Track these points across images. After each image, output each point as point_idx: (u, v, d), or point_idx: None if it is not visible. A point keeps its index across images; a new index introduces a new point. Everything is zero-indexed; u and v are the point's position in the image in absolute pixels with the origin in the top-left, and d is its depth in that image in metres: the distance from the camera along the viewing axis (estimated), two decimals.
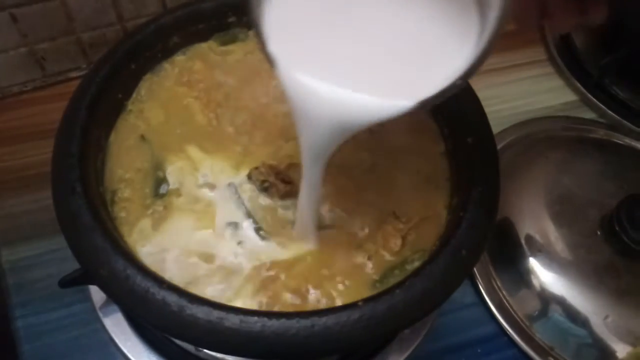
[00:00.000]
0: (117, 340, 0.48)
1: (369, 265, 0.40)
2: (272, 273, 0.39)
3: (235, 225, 0.41)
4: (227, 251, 0.40)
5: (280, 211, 0.42)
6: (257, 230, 0.41)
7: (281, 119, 0.46)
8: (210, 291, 0.38)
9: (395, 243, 0.41)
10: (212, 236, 0.40)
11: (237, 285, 0.38)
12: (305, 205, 0.37)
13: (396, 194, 0.43)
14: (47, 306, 0.51)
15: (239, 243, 0.40)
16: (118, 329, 0.49)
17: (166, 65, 0.48)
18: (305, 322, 0.32)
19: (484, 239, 0.38)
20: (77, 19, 0.61)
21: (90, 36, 0.64)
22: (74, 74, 0.66)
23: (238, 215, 0.41)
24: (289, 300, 0.38)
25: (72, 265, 0.40)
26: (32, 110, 0.64)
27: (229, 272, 0.39)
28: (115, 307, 0.49)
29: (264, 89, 0.48)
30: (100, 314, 0.49)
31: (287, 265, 0.39)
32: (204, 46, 0.50)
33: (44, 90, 0.65)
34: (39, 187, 0.57)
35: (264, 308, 0.37)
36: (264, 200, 0.42)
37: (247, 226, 0.41)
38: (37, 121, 0.62)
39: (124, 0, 0.62)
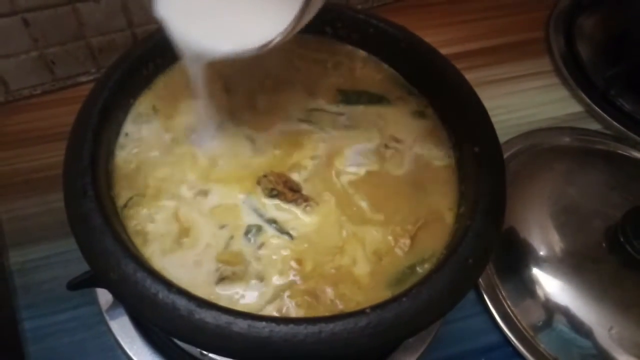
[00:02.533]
0: (122, 344, 0.49)
1: (382, 266, 0.40)
2: (291, 276, 0.39)
3: (258, 229, 0.41)
4: (250, 255, 0.40)
5: (297, 213, 0.42)
6: (280, 232, 0.41)
7: (292, 120, 0.47)
8: (229, 296, 0.38)
9: (405, 243, 0.41)
10: (232, 241, 0.40)
11: (260, 289, 0.39)
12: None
13: (403, 197, 0.43)
14: (54, 308, 0.51)
15: (261, 246, 0.40)
16: (124, 332, 0.49)
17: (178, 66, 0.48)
18: (312, 328, 0.32)
19: (490, 248, 0.38)
20: (88, 24, 0.62)
21: (99, 41, 0.64)
22: (83, 79, 0.67)
23: (259, 220, 0.41)
24: (306, 302, 0.38)
25: (79, 267, 0.41)
26: (41, 114, 0.64)
27: (252, 276, 0.39)
28: (121, 310, 0.50)
29: (271, 93, 0.49)
30: (107, 317, 0.50)
31: (308, 271, 0.40)
32: None
33: (53, 94, 0.66)
34: (47, 190, 0.57)
35: (284, 311, 0.37)
36: (280, 204, 0.42)
37: (269, 230, 0.41)
38: (46, 125, 0.63)
39: (134, 6, 0.62)
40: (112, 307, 0.50)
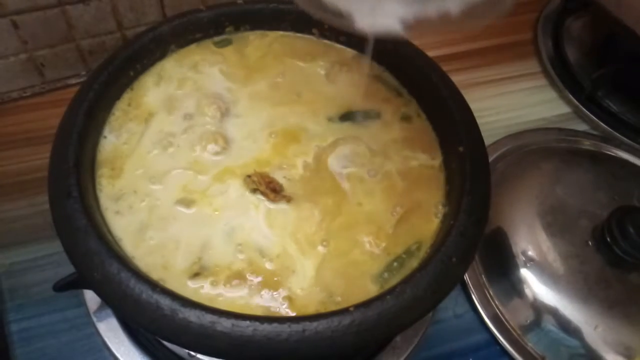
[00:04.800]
0: (110, 345, 0.48)
1: (367, 258, 0.41)
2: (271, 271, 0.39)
3: (238, 225, 0.41)
4: (229, 252, 0.40)
5: (277, 212, 0.42)
6: (260, 230, 0.41)
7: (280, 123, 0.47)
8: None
9: (386, 243, 0.41)
10: (212, 239, 0.40)
11: (239, 287, 0.39)
12: None
13: (388, 197, 0.44)
14: (41, 310, 0.51)
15: (239, 244, 0.41)
16: (112, 333, 0.49)
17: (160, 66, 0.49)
18: (296, 327, 0.32)
19: (474, 247, 0.38)
20: (77, 27, 0.62)
21: (89, 43, 0.64)
22: (72, 81, 0.67)
23: (240, 217, 0.42)
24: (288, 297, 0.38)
25: (66, 270, 0.41)
26: (31, 116, 0.64)
27: (230, 272, 0.39)
28: (109, 311, 0.50)
29: (261, 88, 0.49)
30: (94, 319, 0.50)
31: (286, 267, 0.40)
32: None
33: (42, 96, 0.66)
34: (35, 192, 0.57)
35: (277, 306, 0.38)
36: (262, 202, 0.42)
37: (249, 227, 0.41)
38: (35, 127, 0.63)
39: (124, 8, 0.63)
40: (99, 309, 0.50)
